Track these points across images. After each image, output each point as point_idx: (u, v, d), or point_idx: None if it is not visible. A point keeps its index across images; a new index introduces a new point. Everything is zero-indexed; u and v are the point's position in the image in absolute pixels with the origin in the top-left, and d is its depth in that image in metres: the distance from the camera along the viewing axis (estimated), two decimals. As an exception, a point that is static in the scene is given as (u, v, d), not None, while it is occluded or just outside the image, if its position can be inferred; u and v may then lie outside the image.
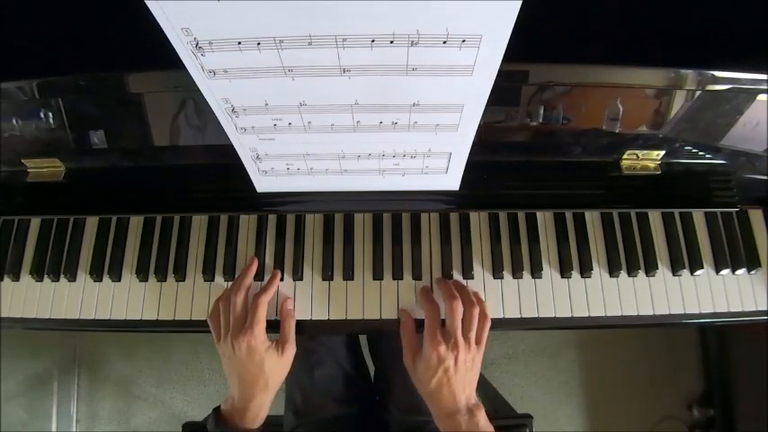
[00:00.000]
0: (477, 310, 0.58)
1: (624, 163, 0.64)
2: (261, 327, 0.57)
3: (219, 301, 0.61)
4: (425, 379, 0.57)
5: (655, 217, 0.68)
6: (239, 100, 0.45)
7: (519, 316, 0.64)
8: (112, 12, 0.52)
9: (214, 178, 0.65)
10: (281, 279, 0.65)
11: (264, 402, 0.59)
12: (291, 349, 0.61)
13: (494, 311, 0.64)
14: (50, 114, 0.57)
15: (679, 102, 0.56)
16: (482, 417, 0.56)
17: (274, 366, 0.59)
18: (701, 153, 0.63)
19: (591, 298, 0.64)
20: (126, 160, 0.64)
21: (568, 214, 0.68)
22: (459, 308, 0.57)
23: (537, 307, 0.64)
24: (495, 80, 0.42)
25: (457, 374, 0.56)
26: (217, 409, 0.60)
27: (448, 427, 0.56)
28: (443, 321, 0.59)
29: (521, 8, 0.35)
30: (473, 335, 0.57)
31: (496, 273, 0.65)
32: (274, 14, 0.36)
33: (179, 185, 0.65)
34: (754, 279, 0.66)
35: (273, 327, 0.62)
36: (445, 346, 0.56)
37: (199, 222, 0.69)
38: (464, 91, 0.44)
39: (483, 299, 0.64)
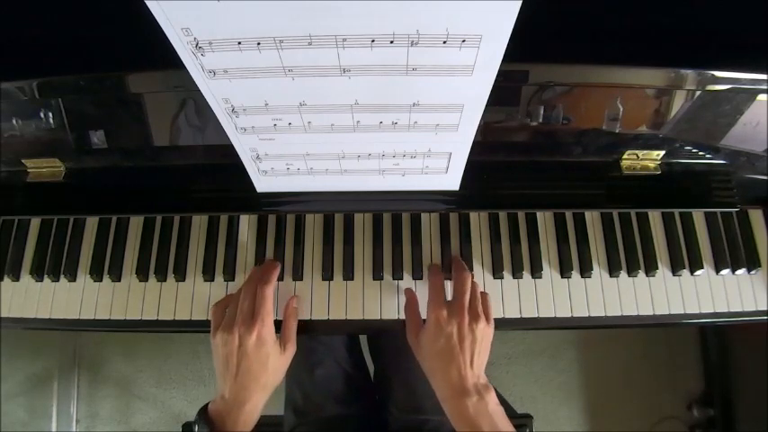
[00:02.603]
0: (478, 287, 0.59)
1: (624, 163, 0.64)
2: (271, 318, 0.56)
3: (231, 298, 0.60)
4: (429, 348, 0.55)
5: (655, 217, 0.68)
6: (239, 100, 0.45)
7: (519, 316, 0.64)
8: (112, 11, 0.52)
9: (214, 178, 0.65)
10: (281, 279, 0.65)
11: (260, 403, 0.56)
12: (292, 348, 0.59)
13: (494, 311, 0.63)
14: (50, 114, 0.57)
15: (679, 102, 0.56)
16: (492, 399, 0.52)
17: (276, 364, 0.56)
18: (700, 153, 0.63)
19: (591, 298, 0.64)
20: (126, 160, 0.64)
21: (568, 214, 0.68)
22: (469, 277, 0.58)
23: (537, 307, 0.64)
24: (495, 80, 0.42)
25: (462, 343, 0.53)
26: (204, 410, 0.55)
27: (454, 410, 0.52)
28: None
29: (521, 8, 0.35)
30: (479, 304, 0.57)
31: (496, 273, 0.65)
32: (274, 14, 0.36)
33: (179, 185, 0.65)
34: (754, 279, 0.66)
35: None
36: (447, 311, 0.55)
37: (199, 222, 0.69)
38: (464, 91, 0.44)
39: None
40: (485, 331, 0.55)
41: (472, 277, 0.60)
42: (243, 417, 0.53)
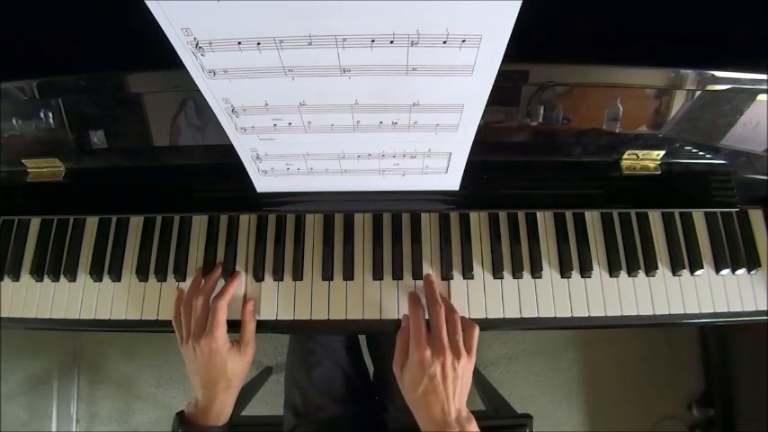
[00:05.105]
0: (458, 315, 0.58)
1: (624, 163, 0.64)
2: (221, 330, 0.59)
3: (180, 305, 0.62)
4: (412, 387, 0.55)
5: (655, 217, 0.68)
6: (239, 100, 0.45)
7: (519, 316, 0.64)
8: (113, 12, 0.52)
9: (214, 178, 0.65)
10: (281, 279, 0.65)
11: (227, 401, 0.60)
12: (251, 350, 0.62)
13: (494, 311, 0.64)
14: (50, 114, 0.57)
15: (679, 102, 0.56)
16: (473, 429, 0.53)
17: (235, 367, 0.60)
18: (700, 153, 0.63)
19: (591, 298, 0.64)
20: (126, 160, 0.64)
21: (568, 214, 0.68)
22: (441, 310, 0.57)
23: (537, 307, 0.64)
24: (495, 80, 0.42)
25: (445, 382, 0.54)
26: (180, 414, 0.61)
27: None
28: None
29: (521, 8, 0.35)
30: (460, 338, 0.56)
31: (496, 273, 0.65)
32: (274, 14, 0.36)
33: (179, 185, 0.65)
34: (754, 279, 0.66)
35: (235, 327, 0.63)
36: (431, 351, 0.54)
37: (199, 222, 0.69)
38: (464, 91, 0.44)
39: (482, 299, 0.64)
40: (466, 366, 0.56)
41: (449, 308, 0.59)
42: (213, 413, 0.59)
